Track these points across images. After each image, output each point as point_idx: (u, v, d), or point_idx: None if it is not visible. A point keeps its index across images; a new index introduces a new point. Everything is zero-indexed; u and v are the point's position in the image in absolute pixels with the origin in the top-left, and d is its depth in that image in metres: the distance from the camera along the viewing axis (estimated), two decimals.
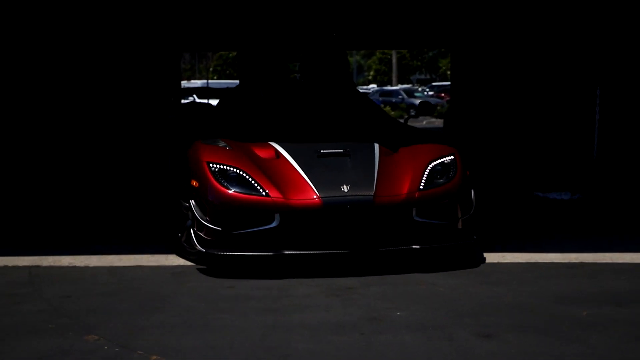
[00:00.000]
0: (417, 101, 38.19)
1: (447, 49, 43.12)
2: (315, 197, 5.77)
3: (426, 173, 6.07)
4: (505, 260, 6.23)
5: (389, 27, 18.50)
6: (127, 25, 14.58)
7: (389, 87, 47.89)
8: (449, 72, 53.95)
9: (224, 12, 15.40)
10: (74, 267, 6.06)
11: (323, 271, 5.82)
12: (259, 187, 5.83)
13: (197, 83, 40.27)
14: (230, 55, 52.37)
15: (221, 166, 5.97)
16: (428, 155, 6.24)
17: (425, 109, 8.34)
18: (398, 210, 5.85)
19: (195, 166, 6.11)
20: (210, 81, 42.62)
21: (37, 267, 6.04)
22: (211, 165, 5.99)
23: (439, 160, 6.20)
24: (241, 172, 5.91)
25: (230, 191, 5.83)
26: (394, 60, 53.95)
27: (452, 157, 6.27)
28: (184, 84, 36.12)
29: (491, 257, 6.29)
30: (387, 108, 35.60)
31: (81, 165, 11.73)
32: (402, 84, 55.10)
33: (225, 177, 5.91)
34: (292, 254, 5.72)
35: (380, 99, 39.36)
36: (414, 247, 5.85)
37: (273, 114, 7.20)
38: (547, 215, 8.34)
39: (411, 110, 37.42)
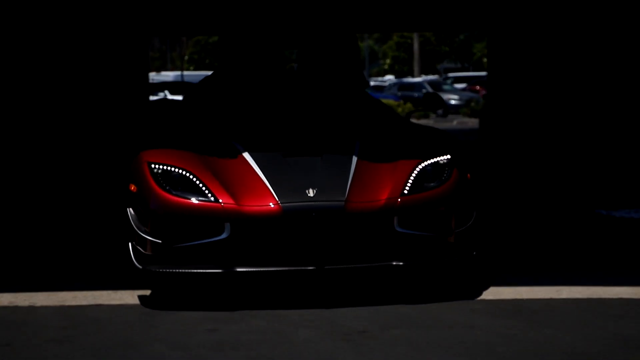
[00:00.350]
0: (446, 96, 38.23)
1: (483, 31, 43.18)
2: (272, 203, 5.93)
3: (413, 175, 6.21)
4: (560, 295, 6.21)
5: (409, 3, 18.52)
6: (79, 3, 14.58)
7: (409, 79, 47.96)
8: (484, 60, 54.11)
9: None
10: (16, 307, 6.03)
11: (323, 303, 5.81)
12: (207, 192, 6.01)
13: (170, 75, 40.44)
14: (210, 40, 52.53)
15: (164, 167, 6.16)
16: (418, 155, 6.37)
17: (431, 102, 8.41)
18: (375, 219, 5.99)
19: (135, 167, 6.31)
20: (185, 73, 42.73)
21: None
22: (153, 165, 6.18)
23: (431, 161, 6.33)
24: (187, 174, 6.10)
25: (172, 196, 6.01)
26: (416, 46, 54.05)
27: (448, 157, 6.39)
28: (153, 76, 36.25)
29: (542, 292, 6.27)
30: (408, 105, 35.61)
31: (25, 173, 11.73)
32: (425, 74, 55.24)
33: (168, 180, 6.10)
34: (245, 271, 5.86)
35: (399, 93, 39.39)
36: (394, 263, 5.98)
37: (238, 109, 7.37)
38: (613, 237, 8.32)
39: (438, 110, 37.49)
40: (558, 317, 5.65)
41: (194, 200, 5.98)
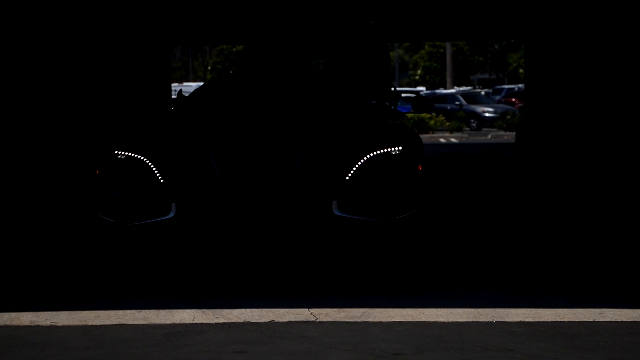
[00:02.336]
0: (480, 108, 38.15)
1: (519, 40, 43.04)
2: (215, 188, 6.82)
3: (359, 163, 6.93)
4: (604, 318, 6.18)
5: (441, 11, 18.53)
6: (99, 11, 14.71)
7: (442, 90, 47.93)
8: (521, 70, 53.93)
9: None
10: (37, 326, 6.09)
11: (350, 321, 5.82)
12: (159, 176, 6.94)
13: (192, 86, 40.56)
14: (235, 49, 52.76)
15: (126, 154, 7.12)
16: (370, 145, 7.10)
17: (421, 105, 9.22)
18: (313, 202, 6.75)
19: (103, 154, 7.29)
20: None
21: None
22: (117, 152, 7.17)
23: (382, 151, 7.05)
24: (145, 160, 7.04)
25: (128, 179, 6.99)
26: (449, 55, 54.02)
27: (400, 148, 7.13)
28: (175, 87, 36.42)
29: (584, 314, 6.24)
30: (441, 117, 35.57)
31: (44, 184, 11.82)
32: (458, 85, 55.18)
33: (127, 165, 7.06)
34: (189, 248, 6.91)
35: None
36: (331, 245, 6.80)
37: (217, 108, 8.38)
38: None
39: (472, 121, 37.46)
40: (602, 341, 5.62)
41: (145, 183, 6.92)
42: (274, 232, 6.78)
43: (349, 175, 6.86)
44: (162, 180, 6.90)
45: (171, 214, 6.79)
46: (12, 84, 11.50)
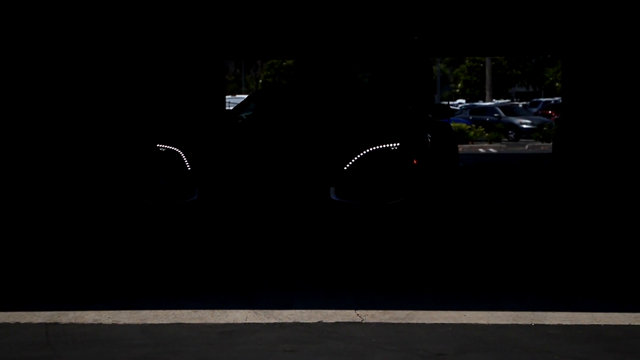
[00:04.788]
0: (518, 120, 37.94)
1: (556, 54, 42.68)
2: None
3: (359, 155, 7.59)
4: (639, 322, 6.10)
5: (481, 28, 18.45)
6: (157, 28, 14.85)
7: (481, 103, 47.67)
8: (557, 84, 53.49)
9: (278, 11, 15.56)
10: (100, 324, 6.15)
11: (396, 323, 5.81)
12: (187, 165, 7.76)
13: (244, 98, 40.71)
14: (285, 63, 52.92)
15: (165, 146, 8.03)
16: (370, 140, 7.79)
17: (440, 112, 9.96)
18: (313, 188, 7.44)
19: (147, 148, 8.15)
20: None
21: (56, 324, 6.15)
22: (159, 145, 8.05)
23: (380, 146, 7.72)
24: (179, 151, 7.90)
25: (162, 166, 7.92)
26: (488, 70, 53.75)
27: (398, 144, 7.80)
28: (228, 99, 36.58)
29: (620, 318, 6.17)
30: (480, 129, 35.38)
31: (101, 196, 11.93)
32: (497, 98, 54.84)
33: (165, 157, 7.93)
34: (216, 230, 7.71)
35: (471, 117, 39.24)
36: (330, 229, 7.37)
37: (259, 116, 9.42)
38: None
39: (510, 132, 37.21)
40: (638, 345, 5.54)
41: (177, 170, 7.81)
42: (278, 213, 7.40)
43: (348, 165, 7.57)
44: (189, 168, 7.76)
45: (194, 197, 7.59)
46: (82, 94, 11.63)
